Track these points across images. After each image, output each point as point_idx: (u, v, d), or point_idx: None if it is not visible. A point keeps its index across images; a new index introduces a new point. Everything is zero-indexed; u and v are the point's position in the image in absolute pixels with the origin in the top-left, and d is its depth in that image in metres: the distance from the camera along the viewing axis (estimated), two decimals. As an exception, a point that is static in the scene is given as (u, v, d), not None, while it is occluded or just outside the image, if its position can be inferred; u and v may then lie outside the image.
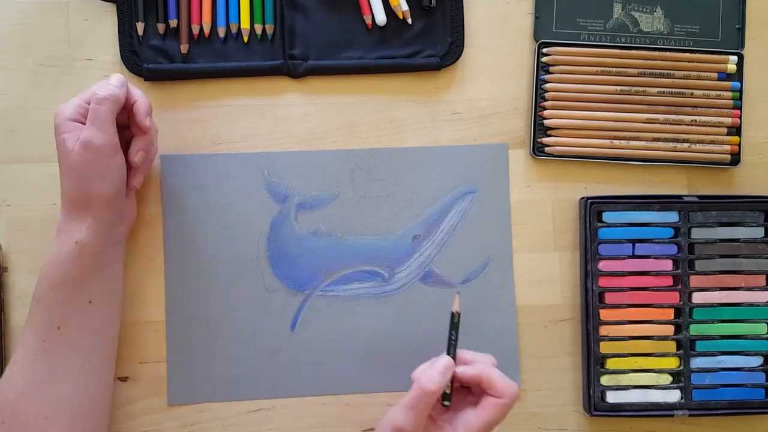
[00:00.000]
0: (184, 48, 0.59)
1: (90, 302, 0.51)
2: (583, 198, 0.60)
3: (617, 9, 0.61)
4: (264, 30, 0.60)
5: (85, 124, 0.50)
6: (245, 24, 0.59)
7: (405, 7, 0.59)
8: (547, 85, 0.61)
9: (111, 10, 0.60)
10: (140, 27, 0.59)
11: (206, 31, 0.59)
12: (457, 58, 0.60)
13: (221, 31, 0.59)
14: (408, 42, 0.60)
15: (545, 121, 0.60)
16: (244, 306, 0.58)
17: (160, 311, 0.58)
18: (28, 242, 0.58)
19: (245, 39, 0.60)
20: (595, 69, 0.61)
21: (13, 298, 0.58)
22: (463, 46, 0.60)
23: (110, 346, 0.54)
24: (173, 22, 0.59)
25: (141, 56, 0.59)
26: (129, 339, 0.57)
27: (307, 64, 0.60)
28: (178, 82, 0.60)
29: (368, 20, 0.60)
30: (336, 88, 0.61)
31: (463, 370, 0.50)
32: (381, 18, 0.59)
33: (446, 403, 0.51)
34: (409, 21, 0.60)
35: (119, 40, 0.59)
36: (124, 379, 0.57)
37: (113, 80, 0.52)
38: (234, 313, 0.58)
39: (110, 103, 0.50)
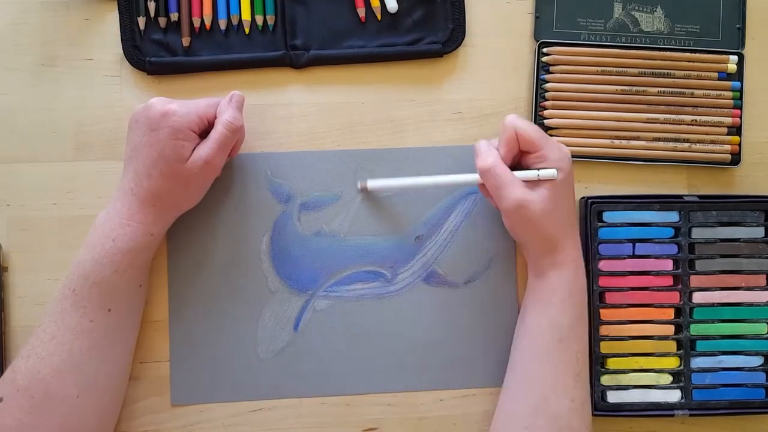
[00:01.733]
0: (185, 41, 0.59)
1: (140, 287, 0.54)
2: (583, 198, 0.60)
3: (617, 9, 0.61)
4: (265, 21, 0.60)
5: (198, 135, 0.52)
6: (246, 15, 0.59)
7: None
8: (548, 85, 0.61)
9: (111, 9, 0.60)
10: (141, 21, 0.59)
11: (207, 23, 0.59)
12: (459, 44, 0.61)
13: (222, 23, 0.59)
14: (409, 30, 0.60)
15: (545, 121, 0.60)
16: (248, 306, 0.58)
17: (161, 311, 0.58)
18: (28, 242, 0.58)
19: (246, 30, 0.60)
20: (595, 69, 0.61)
21: (13, 297, 0.58)
22: (464, 33, 0.61)
23: (138, 329, 0.56)
24: (174, 16, 0.59)
25: (143, 50, 0.59)
26: (129, 339, 0.57)
27: (309, 54, 0.60)
28: (181, 76, 0.60)
29: (362, 13, 0.60)
30: (338, 78, 0.61)
31: (523, 127, 0.53)
32: (393, 5, 0.60)
33: None
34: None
35: (121, 35, 0.59)
36: (124, 379, 0.57)
37: (236, 103, 0.54)
38: (237, 314, 0.58)
39: (239, 134, 0.54)
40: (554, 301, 0.53)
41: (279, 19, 0.60)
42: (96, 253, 0.51)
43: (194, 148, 0.52)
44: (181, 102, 0.52)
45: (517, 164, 0.55)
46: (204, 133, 0.53)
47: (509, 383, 0.55)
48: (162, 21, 0.59)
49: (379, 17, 0.60)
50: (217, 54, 0.59)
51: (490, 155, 0.53)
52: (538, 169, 0.52)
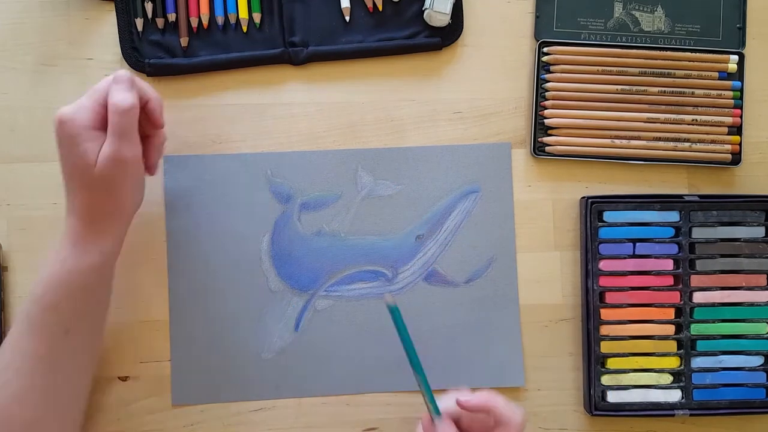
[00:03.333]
0: (184, 41, 0.59)
1: (99, 305, 0.52)
2: (583, 197, 0.60)
3: (618, 8, 0.61)
4: (262, 18, 0.60)
5: (100, 130, 0.48)
6: (243, 14, 0.59)
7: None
8: (548, 85, 0.61)
9: (111, 9, 0.60)
10: (139, 23, 0.59)
11: (205, 22, 0.59)
12: (458, 37, 0.61)
13: (220, 20, 0.59)
14: (407, 23, 0.60)
15: (546, 121, 0.60)
16: (248, 306, 0.58)
17: (161, 311, 0.58)
18: (29, 242, 0.58)
19: (244, 29, 0.60)
20: (595, 68, 0.61)
21: (13, 297, 0.58)
22: (462, 25, 0.61)
23: (101, 344, 0.54)
24: (172, 16, 0.59)
25: (142, 52, 0.59)
26: (129, 338, 0.57)
27: (308, 50, 0.60)
28: (180, 77, 0.60)
29: (369, 3, 0.60)
30: (338, 74, 0.61)
31: (467, 399, 0.50)
32: None
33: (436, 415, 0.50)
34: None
35: (119, 37, 0.59)
36: (124, 379, 0.57)
37: (122, 81, 0.48)
38: (238, 314, 0.58)
39: (134, 114, 0.48)
40: None
41: (277, 16, 0.60)
42: (46, 275, 0.48)
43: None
44: (74, 102, 0.48)
45: None
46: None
47: None
48: (160, 22, 0.59)
49: (380, 7, 0.60)
50: (215, 53, 0.59)
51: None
52: None
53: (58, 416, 0.50)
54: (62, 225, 0.50)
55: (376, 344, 0.58)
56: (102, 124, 0.48)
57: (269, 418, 0.58)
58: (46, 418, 0.49)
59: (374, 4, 0.60)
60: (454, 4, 0.59)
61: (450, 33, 0.61)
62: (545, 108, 0.61)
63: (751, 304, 0.59)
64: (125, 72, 0.49)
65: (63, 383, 0.49)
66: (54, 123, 0.47)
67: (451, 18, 0.60)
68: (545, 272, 0.60)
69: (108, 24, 0.60)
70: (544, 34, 0.61)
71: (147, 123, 0.52)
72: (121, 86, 0.48)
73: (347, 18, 0.60)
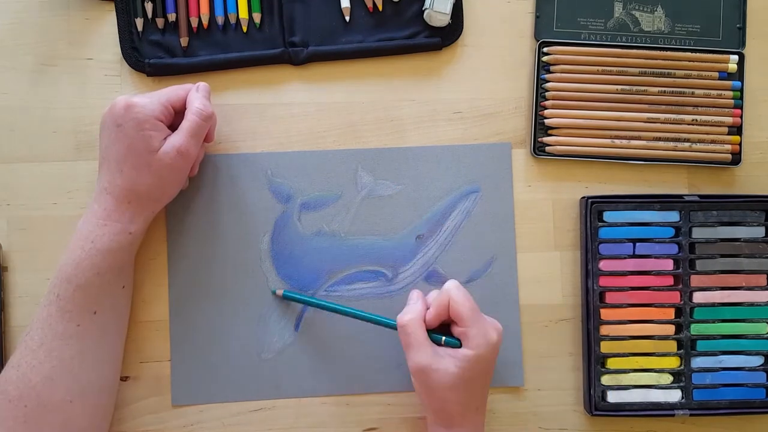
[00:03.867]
0: (184, 41, 0.59)
1: (123, 287, 0.54)
2: (583, 197, 0.60)
3: (618, 8, 0.61)
4: (262, 18, 0.60)
5: (165, 125, 0.52)
6: (243, 14, 0.59)
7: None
8: (548, 85, 0.61)
9: (111, 9, 0.60)
10: (139, 23, 0.59)
11: (205, 22, 0.59)
12: (458, 37, 0.61)
13: (220, 20, 0.59)
14: (407, 23, 0.60)
15: (546, 121, 0.60)
16: (248, 306, 0.58)
17: (161, 311, 0.58)
18: (29, 242, 0.58)
19: (244, 29, 0.60)
20: (595, 68, 0.61)
21: (13, 297, 0.58)
22: (462, 25, 0.61)
23: (126, 329, 0.56)
24: (172, 16, 0.59)
25: (142, 52, 0.59)
26: (130, 338, 0.57)
27: (308, 50, 0.60)
28: (180, 77, 0.60)
29: (369, 3, 0.60)
30: (338, 74, 0.61)
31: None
32: None
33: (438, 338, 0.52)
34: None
35: (119, 37, 0.59)
36: (124, 379, 0.57)
37: (203, 92, 0.54)
38: (238, 314, 0.58)
39: (210, 121, 0.53)
40: None
41: (277, 16, 0.60)
42: (76, 256, 0.50)
43: (165, 139, 0.51)
44: (146, 94, 0.52)
45: (446, 327, 0.54)
46: (172, 125, 0.53)
47: None
48: (160, 22, 0.59)
49: (380, 7, 0.60)
50: (215, 53, 0.59)
51: (411, 311, 0.52)
52: (443, 338, 0.51)
53: (90, 400, 0.51)
54: (89, 206, 0.52)
55: (376, 344, 0.58)
56: (167, 120, 0.52)
57: (269, 418, 0.58)
58: (78, 401, 0.50)
59: (374, 4, 0.60)
60: (454, 4, 0.59)
61: (450, 33, 0.61)
62: (545, 108, 0.61)
63: (751, 304, 0.59)
64: (207, 84, 0.55)
65: (92, 365, 0.51)
66: (116, 104, 0.51)
67: (451, 18, 0.60)
68: (545, 272, 0.60)
69: (108, 24, 0.60)
70: (544, 34, 0.61)
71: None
72: (204, 94, 0.54)
73: (347, 18, 0.60)
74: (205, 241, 0.58)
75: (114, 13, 0.60)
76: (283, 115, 0.60)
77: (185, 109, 0.53)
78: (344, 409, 0.58)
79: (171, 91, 0.53)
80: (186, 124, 0.52)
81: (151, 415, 0.57)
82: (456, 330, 0.52)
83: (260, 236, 0.59)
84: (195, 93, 0.53)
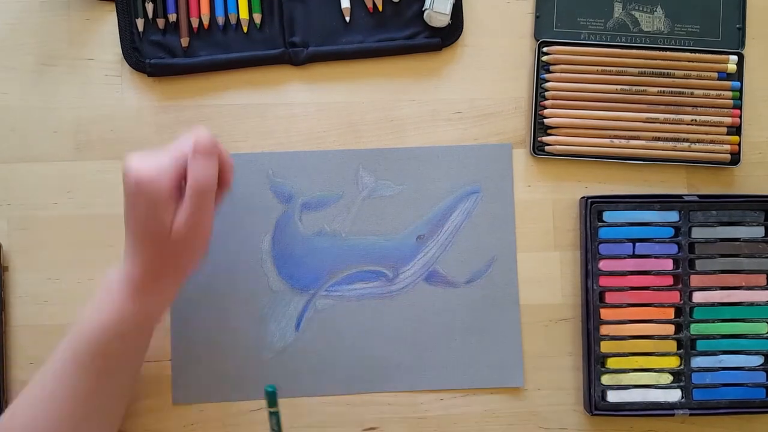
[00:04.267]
0: (184, 41, 0.59)
1: (142, 352, 0.52)
2: (583, 197, 0.60)
3: (618, 8, 0.61)
4: (263, 19, 0.60)
5: (175, 198, 0.46)
6: (244, 14, 0.59)
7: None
8: (548, 84, 0.61)
9: (112, 9, 0.60)
10: (140, 23, 0.59)
11: (205, 23, 0.59)
12: (458, 37, 0.61)
13: (220, 20, 0.59)
14: (407, 24, 0.60)
15: (545, 120, 0.60)
16: (249, 306, 0.58)
17: (161, 311, 0.58)
18: (29, 242, 0.58)
19: (245, 29, 0.60)
20: (595, 68, 0.61)
21: (13, 297, 0.58)
22: (462, 25, 0.61)
23: (134, 388, 0.55)
24: (172, 17, 0.59)
25: (143, 52, 0.59)
26: (130, 338, 0.57)
27: (308, 50, 0.60)
28: (181, 77, 0.60)
29: (369, 4, 0.60)
30: (338, 75, 0.61)
31: None
32: None
33: None
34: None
35: (120, 37, 0.59)
36: (124, 379, 0.57)
37: (205, 151, 0.46)
38: (239, 314, 0.58)
39: (214, 189, 0.47)
40: None
41: (277, 16, 0.60)
42: (105, 319, 0.47)
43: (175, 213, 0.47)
44: (155, 163, 0.46)
45: None
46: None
47: None
48: (160, 22, 0.59)
49: (380, 7, 0.60)
50: (216, 53, 0.59)
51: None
52: None
53: None
54: (123, 265, 0.48)
55: (377, 344, 0.58)
56: (178, 191, 0.47)
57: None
58: None
59: (374, 4, 0.60)
60: (453, 5, 0.59)
61: (450, 33, 0.61)
62: (545, 108, 0.61)
63: (751, 304, 0.59)
64: (207, 138, 0.47)
65: (97, 422, 0.50)
66: (128, 177, 0.45)
67: (451, 18, 0.60)
68: (545, 272, 0.60)
69: (108, 24, 0.60)
70: (544, 34, 0.61)
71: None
72: (203, 160, 0.46)
73: (347, 18, 0.60)
74: (205, 240, 0.58)
75: (114, 14, 0.60)
76: (284, 115, 0.60)
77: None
78: (344, 408, 0.58)
79: (175, 152, 0.47)
80: (190, 199, 0.46)
81: (152, 415, 0.57)
82: None
83: (261, 236, 0.59)
84: (195, 156, 0.46)
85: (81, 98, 0.59)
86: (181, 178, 0.47)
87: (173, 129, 0.59)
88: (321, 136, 0.60)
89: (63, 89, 0.59)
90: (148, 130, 0.59)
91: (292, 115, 0.60)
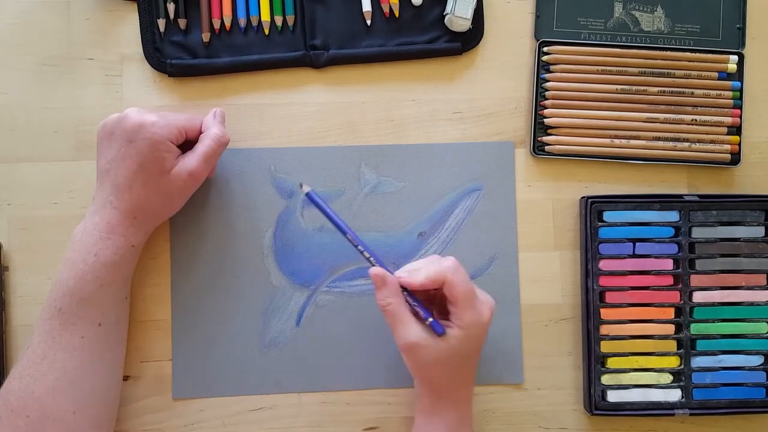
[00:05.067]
0: (205, 37, 0.59)
1: (125, 298, 0.54)
2: (583, 197, 0.60)
3: (618, 8, 0.61)
4: (284, 21, 0.60)
5: (176, 146, 0.52)
6: (265, 16, 0.59)
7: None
8: (548, 84, 0.61)
9: (112, 9, 0.60)
10: (162, 23, 0.59)
11: (227, 24, 0.59)
12: (479, 42, 0.61)
13: (242, 22, 0.59)
14: (427, 28, 0.61)
15: (546, 120, 0.60)
16: (250, 301, 0.58)
17: (162, 310, 0.58)
18: (29, 241, 0.58)
19: (266, 31, 0.60)
20: (595, 68, 0.61)
21: (14, 297, 0.58)
22: (483, 30, 0.61)
23: (126, 338, 0.56)
24: (183, 22, 0.59)
25: (164, 53, 0.59)
26: (130, 338, 0.57)
27: (328, 53, 0.60)
28: (201, 78, 0.60)
29: (386, 9, 0.60)
30: (343, 76, 0.61)
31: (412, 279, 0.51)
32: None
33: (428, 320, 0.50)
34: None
35: (141, 37, 0.59)
36: (125, 378, 0.57)
37: (220, 118, 0.55)
38: (240, 309, 0.58)
39: (225, 147, 0.54)
40: None
41: (298, 19, 0.60)
42: (79, 269, 0.50)
43: (177, 160, 0.52)
44: (159, 114, 0.52)
45: (433, 296, 0.53)
46: (182, 148, 0.53)
47: None
48: (182, 22, 0.59)
49: (396, 14, 0.60)
50: (236, 55, 0.60)
51: (389, 292, 0.50)
52: (430, 319, 0.50)
53: (92, 410, 0.51)
54: (87, 218, 0.52)
55: (377, 340, 0.58)
56: (179, 142, 0.52)
57: (269, 417, 0.58)
58: (81, 412, 0.50)
59: (391, 10, 0.60)
60: (475, 9, 0.59)
61: (471, 38, 0.61)
62: (545, 107, 0.61)
63: (751, 304, 0.59)
64: (224, 110, 0.56)
65: (95, 376, 0.51)
66: (127, 121, 0.50)
67: (472, 23, 0.60)
68: (545, 272, 0.60)
69: (108, 24, 0.60)
70: (544, 33, 0.61)
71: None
72: (220, 120, 0.55)
73: (368, 22, 0.60)
74: (208, 235, 0.58)
75: (116, 13, 0.60)
76: (285, 115, 0.60)
77: (197, 138, 0.54)
78: (344, 408, 0.58)
79: (186, 119, 0.53)
80: (201, 148, 0.52)
81: (151, 414, 0.57)
82: (449, 307, 0.51)
83: (263, 231, 0.59)
84: (212, 119, 0.54)
85: (81, 98, 0.59)
86: (182, 138, 0.52)
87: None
88: (323, 135, 0.60)
89: (63, 89, 0.59)
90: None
91: (292, 114, 0.60)
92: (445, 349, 0.50)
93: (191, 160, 0.52)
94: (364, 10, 0.60)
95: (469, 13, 0.59)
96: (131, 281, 0.55)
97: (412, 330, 0.50)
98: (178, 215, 0.57)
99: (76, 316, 0.50)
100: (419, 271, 0.51)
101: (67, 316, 0.50)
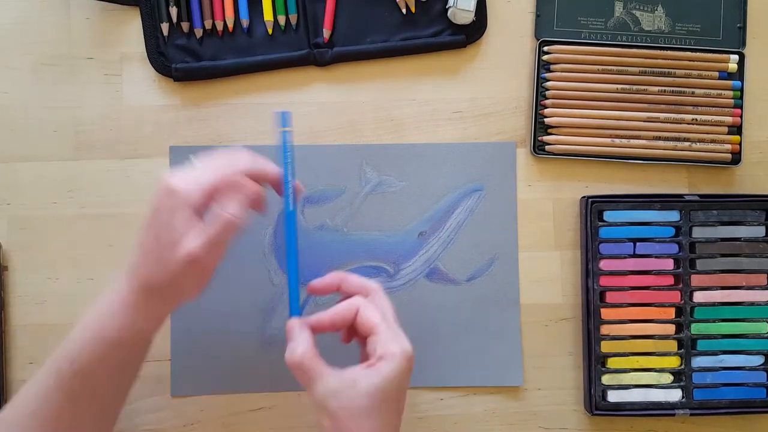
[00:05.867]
0: (198, 32, 0.59)
1: (130, 377, 0.49)
2: (584, 197, 0.60)
3: (618, 7, 0.61)
4: (287, 20, 0.60)
5: (198, 217, 0.44)
6: (268, 16, 0.59)
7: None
8: (548, 84, 0.61)
9: (112, 9, 0.60)
10: (165, 27, 0.59)
11: (230, 25, 0.59)
12: (482, 34, 0.61)
13: (244, 23, 0.59)
14: (430, 22, 0.60)
15: (546, 120, 0.60)
16: (250, 299, 0.58)
17: (161, 310, 0.58)
18: (29, 241, 0.58)
19: (270, 31, 0.60)
20: (595, 67, 0.61)
21: (13, 297, 0.58)
22: (486, 22, 0.61)
23: (125, 402, 0.51)
24: (185, 25, 0.59)
25: (168, 57, 0.59)
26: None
27: (333, 51, 0.60)
28: (207, 81, 0.60)
29: (402, 5, 0.60)
30: (342, 74, 0.61)
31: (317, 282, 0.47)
32: None
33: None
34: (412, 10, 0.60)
35: (145, 42, 0.59)
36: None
37: (242, 196, 0.45)
38: (239, 307, 0.58)
39: (236, 230, 0.45)
40: None
41: (301, 17, 0.60)
42: (86, 337, 0.45)
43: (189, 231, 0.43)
44: (192, 175, 0.44)
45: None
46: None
47: None
48: (185, 26, 0.59)
49: (413, 9, 0.60)
50: (240, 57, 0.59)
51: (300, 344, 0.45)
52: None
53: None
54: (114, 283, 0.46)
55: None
56: (203, 209, 0.44)
57: (269, 417, 0.58)
58: None
59: (407, 5, 0.60)
60: (478, 2, 0.59)
61: (474, 30, 0.61)
62: (545, 107, 0.60)
63: (752, 304, 0.59)
64: (303, 189, 0.49)
65: None
66: (162, 183, 0.44)
67: (475, 15, 0.60)
68: (545, 272, 0.60)
69: (108, 23, 0.60)
70: (545, 33, 0.61)
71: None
72: (238, 194, 0.44)
73: (404, 10, 0.60)
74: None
75: (115, 14, 0.60)
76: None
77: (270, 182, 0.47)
78: (344, 408, 0.58)
79: (218, 174, 0.44)
80: (208, 229, 0.43)
81: (150, 415, 0.57)
82: (368, 342, 0.46)
83: (263, 230, 0.59)
84: (233, 193, 0.44)
85: (81, 98, 0.59)
86: (211, 200, 0.44)
87: (176, 129, 0.59)
88: (322, 135, 0.60)
89: (63, 89, 0.59)
90: (149, 130, 0.59)
91: (294, 114, 0.60)
92: (375, 386, 0.43)
93: (194, 241, 0.43)
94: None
95: (471, 5, 0.59)
96: (141, 362, 0.49)
97: (330, 378, 0.44)
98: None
99: (70, 384, 0.45)
100: (303, 329, 0.46)
101: (61, 381, 0.45)
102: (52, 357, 0.46)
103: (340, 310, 0.46)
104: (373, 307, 0.46)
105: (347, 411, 0.43)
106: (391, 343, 0.44)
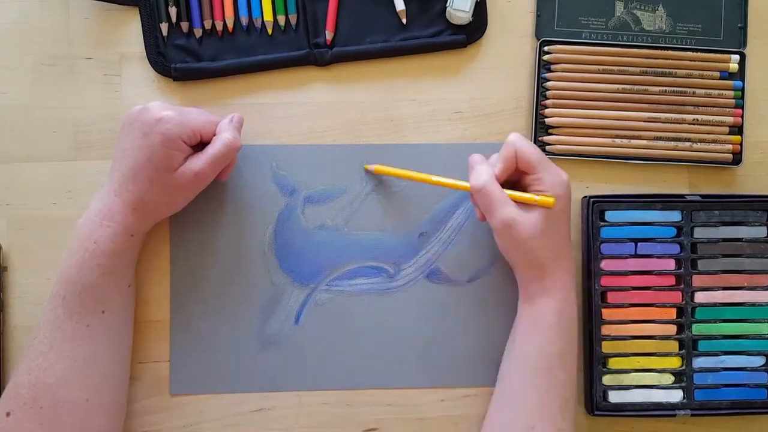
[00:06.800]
0: (197, 32, 0.59)
1: (129, 286, 0.54)
2: (585, 197, 0.60)
3: (619, 7, 0.61)
4: (287, 20, 0.60)
5: (189, 145, 0.52)
6: (268, 16, 0.59)
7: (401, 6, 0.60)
8: (549, 84, 0.60)
9: (111, 9, 0.60)
10: (164, 28, 0.59)
11: (230, 26, 0.59)
12: (482, 34, 0.61)
13: (244, 20, 0.59)
14: (430, 22, 0.61)
15: (546, 120, 0.60)
16: (250, 298, 0.58)
17: (160, 311, 0.58)
18: (28, 241, 0.58)
19: (269, 31, 0.60)
20: (596, 67, 0.61)
21: (13, 297, 0.58)
22: (486, 23, 0.61)
23: (132, 326, 0.56)
24: (185, 25, 0.59)
25: (167, 57, 0.59)
26: (129, 338, 0.57)
27: (333, 51, 0.60)
28: (206, 81, 0.60)
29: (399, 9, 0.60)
30: (358, 75, 0.61)
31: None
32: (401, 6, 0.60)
33: None
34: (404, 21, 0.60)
35: (144, 42, 0.59)
36: (124, 379, 0.57)
37: (237, 124, 0.55)
38: (239, 305, 0.58)
39: (234, 154, 0.54)
40: (542, 327, 0.52)
41: (301, 17, 0.60)
42: (79, 257, 0.50)
43: (186, 159, 0.52)
44: (179, 109, 0.52)
45: (514, 181, 0.54)
46: (195, 148, 0.53)
47: (495, 409, 0.54)
48: (184, 26, 0.59)
49: (404, 21, 0.60)
50: (240, 57, 0.59)
51: (483, 173, 0.52)
52: (537, 194, 0.51)
53: (105, 397, 0.51)
54: (91, 205, 0.52)
55: (376, 340, 0.58)
56: (192, 144, 0.53)
57: (269, 418, 0.58)
58: (93, 399, 0.50)
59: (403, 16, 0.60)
60: (478, 2, 0.59)
61: (475, 30, 0.61)
62: (546, 107, 0.60)
63: (753, 304, 0.59)
64: (241, 116, 0.56)
65: (105, 363, 0.51)
66: (148, 113, 0.51)
67: (474, 15, 0.60)
68: (546, 272, 0.60)
69: (108, 24, 0.60)
70: (545, 33, 0.61)
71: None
72: (237, 126, 0.55)
73: (404, 21, 0.60)
74: (208, 232, 0.59)
75: (114, 13, 0.60)
76: (285, 114, 0.60)
77: (211, 138, 0.53)
78: (344, 409, 0.58)
79: (204, 121, 0.53)
80: (211, 150, 0.52)
81: (150, 416, 0.57)
82: (527, 180, 0.52)
83: (263, 228, 0.59)
84: (228, 123, 0.54)
85: (81, 98, 0.59)
86: (196, 138, 0.52)
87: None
88: (322, 135, 0.60)
89: (63, 89, 0.59)
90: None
91: (292, 114, 0.60)
92: (542, 220, 0.51)
93: (199, 160, 0.52)
94: (398, 9, 0.60)
95: (467, 6, 0.59)
96: (134, 272, 0.55)
97: (508, 208, 0.51)
98: (179, 210, 0.57)
99: (80, 304, 0.50)
100: (491, 163, 0.53)
101: (70, 305, 0.50)
102: (51, 292, 0.51)
103: (504, 155, 0.52)
104: (527, 143, 0.52)
105: (519, 237, 0.51)
106: (546, 176, 0.51)
